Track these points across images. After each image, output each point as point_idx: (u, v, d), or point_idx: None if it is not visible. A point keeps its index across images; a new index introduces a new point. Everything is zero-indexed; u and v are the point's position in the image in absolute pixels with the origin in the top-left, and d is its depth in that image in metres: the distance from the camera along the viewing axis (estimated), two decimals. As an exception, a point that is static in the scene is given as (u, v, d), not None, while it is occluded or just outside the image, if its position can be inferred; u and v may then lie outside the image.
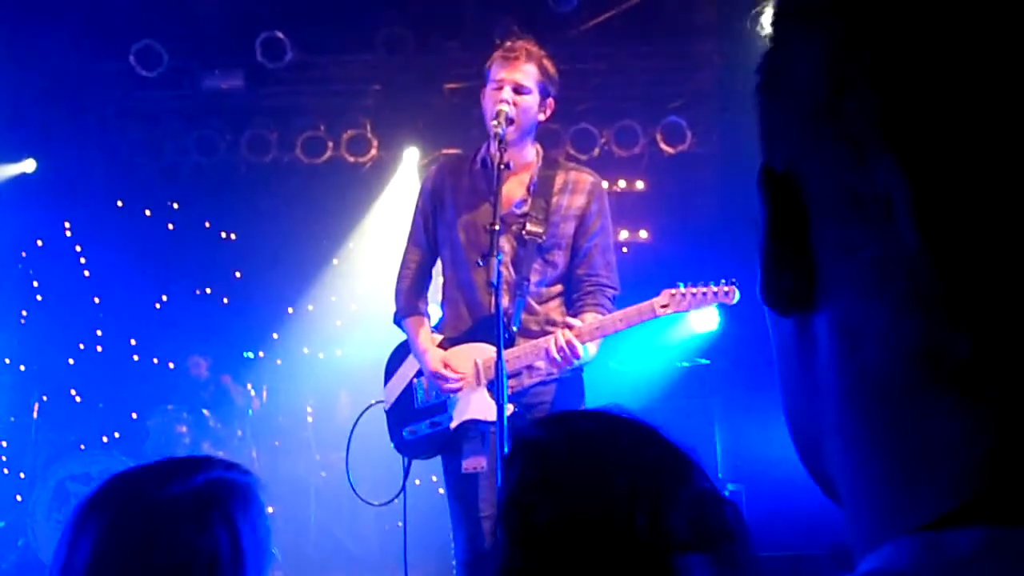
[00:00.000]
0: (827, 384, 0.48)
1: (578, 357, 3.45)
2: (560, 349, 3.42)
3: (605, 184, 3.91)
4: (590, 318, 3.56)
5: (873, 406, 0.46)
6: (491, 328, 3.49)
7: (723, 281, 3.51)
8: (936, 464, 0.43)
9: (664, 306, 3.49)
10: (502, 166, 3.43)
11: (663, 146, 7.03)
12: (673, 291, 3.50)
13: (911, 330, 0.43)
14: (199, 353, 7.37)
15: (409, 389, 3.89)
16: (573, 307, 3.64)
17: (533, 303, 3.63)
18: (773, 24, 0.52)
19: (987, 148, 0.41)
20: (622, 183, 7.28)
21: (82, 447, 6.80)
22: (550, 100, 3.66)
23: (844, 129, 0.45)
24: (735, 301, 3.50)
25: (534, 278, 3.63)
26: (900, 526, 0.43)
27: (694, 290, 3.49)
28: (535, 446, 1.33)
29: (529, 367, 3.59)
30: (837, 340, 0.47)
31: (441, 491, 3.87)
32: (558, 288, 3.69)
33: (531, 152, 3.71)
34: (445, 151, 4.03)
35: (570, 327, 3.47)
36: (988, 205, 0.41)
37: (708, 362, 6.51)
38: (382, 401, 4.00)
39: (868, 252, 0.45)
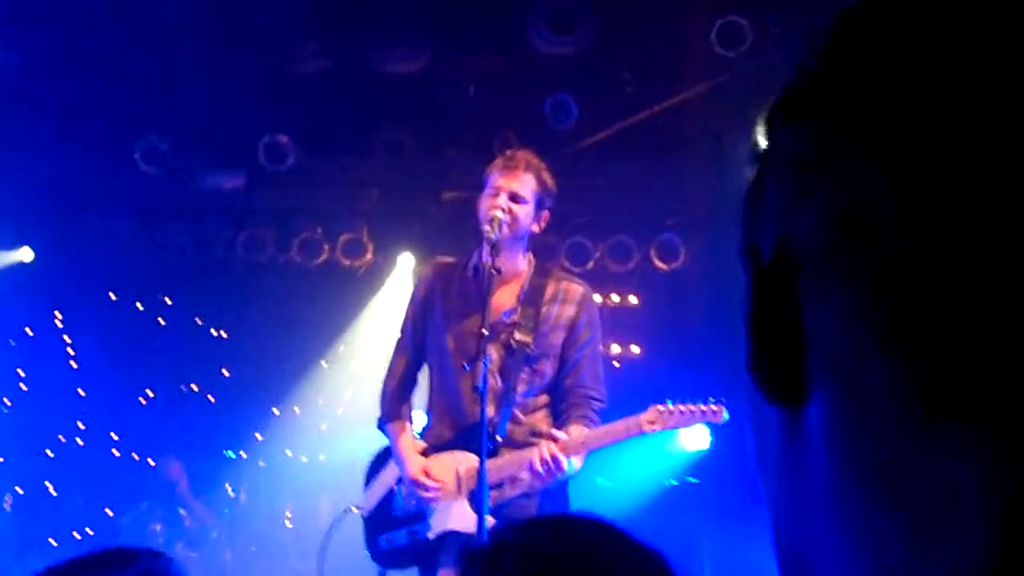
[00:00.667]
0: (817, 470, 0.44)
1: (562, 470, 3.39)
2: (544, 462, 3.37)
3: (598, 298, 3.92)
4: (576, 430, 3.52)
5: (875, 465, 0.42)
6: (475, 437, 3.44)
7: (711, 400, 3.48)
8: (958, 513, 0.38)
9: (651, 422, 3.46)
10: (493, 271, 3.43)
11: (657, 262, 7.08)
12: (661, 408, 3.47)
13: (905, 368, 0.40)
14: (175, 455, 7.27)
15: (389, 496, 3.82)
16: (559, 418, 3.60)
17: (519, 413, 3.59)
18: (763, 127, 0.51)
19: (966, 140, 0.39)
20: (615, 297, 7.30)
21: (53, 542, 6.63)
22: (545, 212, 3.69)
23: (835, 171, 0.43)
24: (723, 421, 3.47)
25: (521, 388, 3.60)
26: None
27: (682, 408, 3.46)
28: (489, 548, 1.29)
29: (513, 479, 3.53)
30: (834, 419, 0.43)
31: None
32: (544, 398, 3.65)
33: (523, 261, 3.72)
34: (440, 258, 4.05)
35: (555, 439, 3.43)
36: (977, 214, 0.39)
37: (697, 481, 6.42)
38: (359, 506, 3.93)
39: (855, 300, 0.42)
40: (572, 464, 3.45)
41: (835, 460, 0.43)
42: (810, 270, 0.44)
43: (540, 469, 3.37)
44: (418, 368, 3.85)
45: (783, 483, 0.47)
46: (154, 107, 6.59)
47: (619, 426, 3.48)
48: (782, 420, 0.46)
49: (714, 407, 3.47)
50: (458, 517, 3.56)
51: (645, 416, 3.47)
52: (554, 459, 3.37)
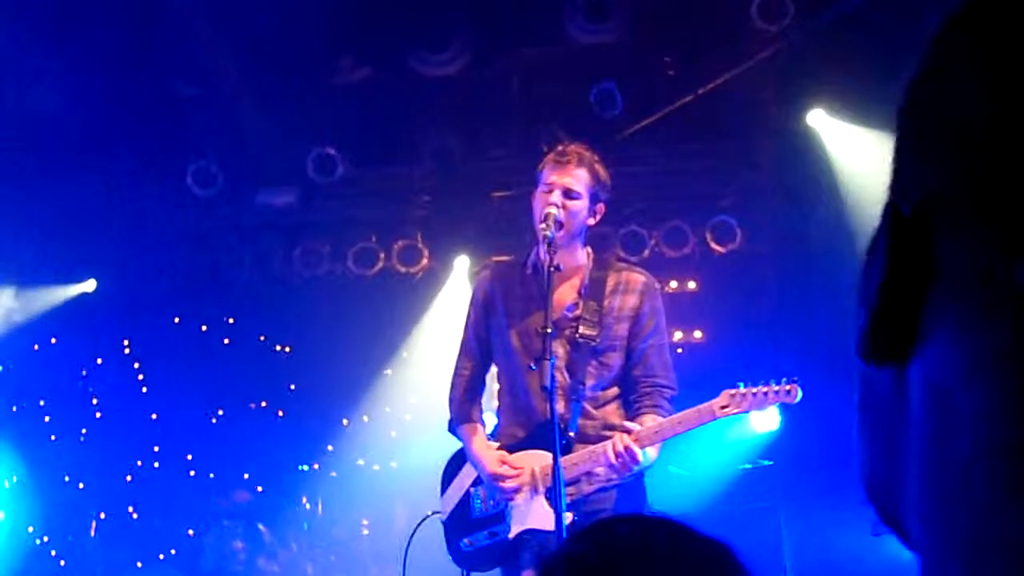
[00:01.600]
0: (916, 450, 0.45)
1: (637, 462, 3.37)
2: (619, 454, 3.35)
3: (657, 285, 3.88)
4: (649, 420, 3.49)
5: (959, 511, 0.42)
6: (547, 434, 3.43)
7: (784, 380, 3.42)
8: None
9: (724, 407, 3.42)
10: (552, 268, 3.42)
11: (713, 245, 7.01)
12: (733, 391, 3.43)
13: (1007, 428, 0.40)
14: (243, 487, 7.37)
15: (466, 499, 3.82)
16: (631, 409, 3.57)
17: (590, 408, 3.57)
18: (936, 51, 0.47)
19: None
20: (674, 283, 7.23)
21: (139, 564, 6.76)
22: (600, 205, 3.66)
23: (1000, 206, 0.42)
24: (798, 400, 3.41)
25: (589, 382, 3.58)
26: None
27: (754, 390, 3.42)
28: (568, 562, 1.28)
29: (588, 473, 3.51)
30: (931, 410, 0.44)
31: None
32: (615, 391, 3.63)
33: (582, 255, 3.70)
34: (495, 258, 4.05)
35: (628, 431, 3.40)
36: None
37: (771, 463, 6.35)
38: (438, 512, 3.94)
39: (987, 334, 0.41)
40: (647, 455, 3.42)
41: (926, 460, 0.45)
42: (944, 268, 0.45)
43: (615, 461, 3.35)
44: (485, 370, 3.85)
45: (884, 433, 0.49)
46: (202, 130, 6.69)
47: (691, 413, 3.44)
48: (890, 381, 0.48)
49: (787, 387, 3.41)
50: (537, 515, 3.56)
51: (717, 401, 3.43)
52: (628, 451, 3.35)
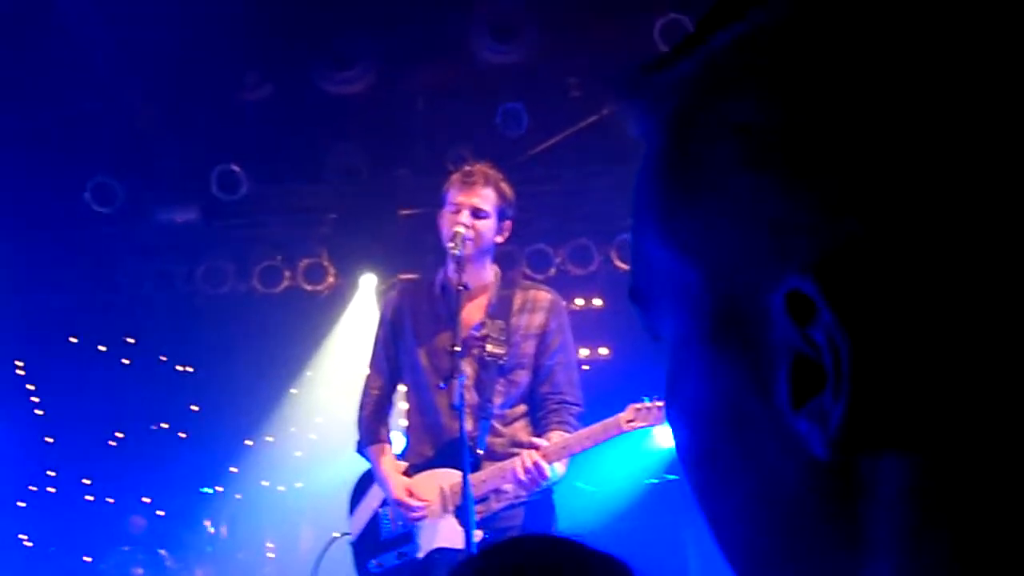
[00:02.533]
0: (890, 545, 0.39)
1: (545, 477, 3.41)
2: (527, 470, 3.38)
3: (563, 303, 3.94)
4: (556, 436, 3.53)
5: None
6: (456, 452, 3.46)
7: None
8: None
9: (630, 421, 3.48)
10: (460, 287, 3.45)
11: (618, 263, 7.12)
12: (639, 405, 3.50)
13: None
14: (139, 513, 7.18)
15: (375, 519, 3.81)
16: (538, 426, 3.61)
17: (498, 426, 3.61)
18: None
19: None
20: (580, 301, 7.32)
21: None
22: (507, 222, 3.72)
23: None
24: None
25: (497, 400, 3.61)
26: None
27: (659, 403, 3.49)
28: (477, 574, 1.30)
29: (497, 491, 3.54)
30: (926, 509, 0.38)
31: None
32: (522, 408, 3.67)
33: (489, 273, 3.74)
34: (402, 276, 4.06)
35: (536, 447, 3.44)
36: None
37: (676, 477, 6.46)
38: (347, 533, 3.91)
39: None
40: (555, 470, 3.46)
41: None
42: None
43: (524, 478, 3.39)
44: (393, 389, 3.85)
45: (804, 531, 0.42)
46: (102, 145, 6.53)
47: (598, 428, 3.50)
48: (805, 467, 0.41)
49: None
50: (446, 534, 3.57)
51: (624, 415, 3.49)
52: (536, 466, 3.38)
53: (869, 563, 0.39)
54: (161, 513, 7.40)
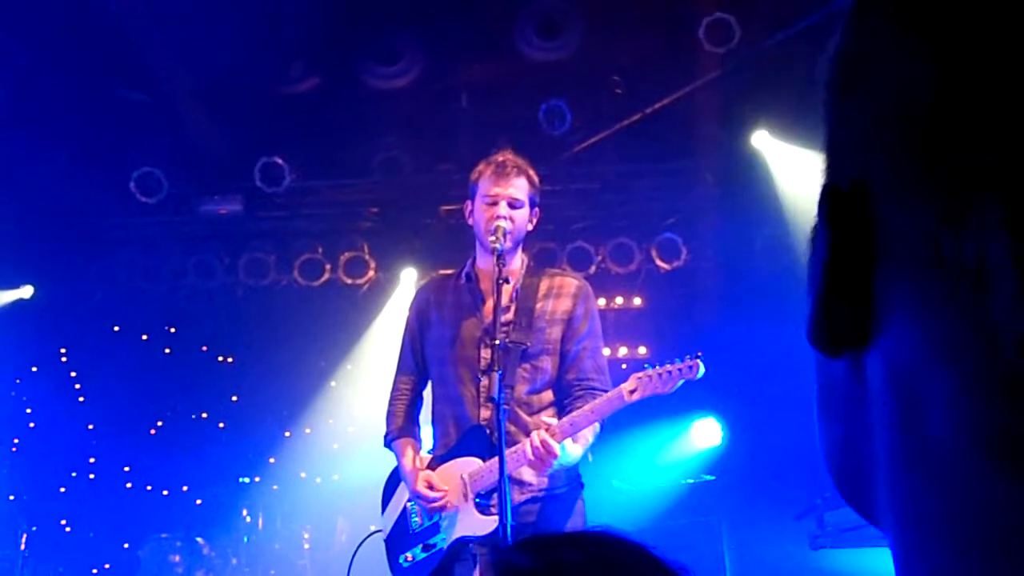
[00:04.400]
0: (882, 436, 0.44)
1: (555, 456, 3.36)
2: (535, 448, 3.34)
3: (603, 301, 3.90)
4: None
5: (937, 487, 0.42)
6: (476, 440, 3.46)
7: (687, 356, 3.45)
8: (1009, 560, 0.39)
9: (633, 391, 3.43)
10: (502, 281, 3.43)
11: (659, 262, 7.08)
12: (640, 374, 3.46)
13: (986, 414, 0.39)
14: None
15: (404, 514, 3.81)
16: (564, 413, 3.57)
17: (522, 414, 3.57)
18: (860, 11, 0.46)
19: None
20: (619, 300, 7.29)
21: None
22: (536, 210, 3.71)
23: (943, 171, 0.40)
24: (700, 375, 3.44)
25: (521, 386, 3.58)
26: None
27: (660, 370, 3.44)
28: (514, 572, 1.27)
29: (519, 483, 3.51)
30: (895, 396, 0.43)
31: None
32: (549, 396, 3.63)
33: (517, 261, 3.72)
34: (442, 271, 4.05)
35: (546, 427, 3.41)
36: None
37: (713, 478, 6.41)
38: (380, 530, 3.91)
39: (944, 315, 0.40)
40: (567, 449, 3.41)
41: (897, 445, 0.44)
42: (888, 242, 0.43)
43: (532, 456, 3.35)
44: (423, 384, 3.84)
45: (845, 423, 0.48)
46: (148, 136, 6.60)
47: (601, 401, 3.45)
48: (846, 368, 0.47)
49: (690, 363, 3.43)
50: (466, 523, 3.56)
51: (626, 386, 3.44)
52: (545, 444, 3.34)
53: (874, 463, 0.46)
54: (199, 502, 7.47)
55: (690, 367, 3.42)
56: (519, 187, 3.60)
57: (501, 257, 3.46)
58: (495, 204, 3.57)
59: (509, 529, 3.13)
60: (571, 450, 3.45)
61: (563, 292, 3.67)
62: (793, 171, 6.55)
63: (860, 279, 0.44)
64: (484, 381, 3.38)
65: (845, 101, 0.47)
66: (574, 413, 3.45)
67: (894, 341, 0.43)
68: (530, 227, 3.68)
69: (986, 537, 0.40)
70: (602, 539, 1.28)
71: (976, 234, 0.39)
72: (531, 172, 3.67)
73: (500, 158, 3.69)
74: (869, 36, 0.45)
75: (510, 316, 3.60)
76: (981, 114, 0.39)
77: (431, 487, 3.58)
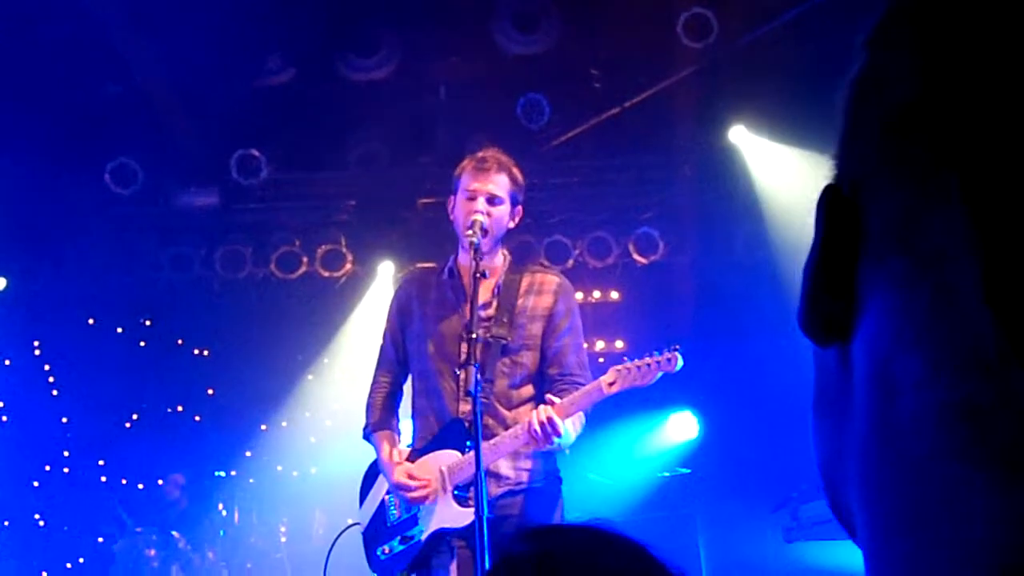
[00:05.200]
0: (857, 430, 0.46)
1: (559, 434, 3.38)
2: (542, 424, 3.35)
3: (580, 295, 3.91)
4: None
5: (900, 472, 0.43)
6: (455, 434, 3.47)
7: (665, 349, 3.48)
8: (966, 548, 0.40)
9: (612, 383, 3.45)
10: (478, 275, 3.44)
11: (636, 256, 7.10)
12: (619, 367, 3.47)
13: (949, 388, 0.41)
14: (178, 471, 7.23)
15: (382, 507, 3.81)
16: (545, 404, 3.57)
17: (501, 408, 3.58)
18: (869, 39, 0.50)
19: None
20: (596, 293, 7.31)
21: (44, 574, 6.57)
22: (519, 207, 3.70)
23: (912, 158, 0.44)
24: (678, 367, 3.46)
25: (502, 381, 3.59)
26: None
27: (638, 363, 3.45)
28: (515, 562, 1.28)
29: (496, 476, 3.53)
30: (872, 385, 0.45)
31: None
32: (529, 391, 3.64)
33: (499, 258, 3.73)
34: (420, 264, 4.06)
35: (551, 404, 3.43)
36: None
37: (689, 471, 6.45)
38: (358, 523, 3.92)
39: (914, 296, 0.42)
40: (566, 428, 3.42)
41: (868, 430, 0.45)
42: (873, 234, 0.46)
43: (539, 431, 3.35)
44: (403, 377, 3.84)
45: (831, 411, 0.50)
46: (123, 127, 6.54)
47: (579, 395, 3.47)
48: (836, 362, 0.49)
49: (668, 355, 3.45)
50: (444, 515, 3.56)
51: (605, 378, 3.46)
52: (551, 421, 3.35)
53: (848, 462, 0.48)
54: (176, 494, 7.43)
55: (669, 359, 3.44)
56: (499, 183, 3.60)
57: (478, 251, 3.47)
58: (474, 199, 3.58)
59: (485, 521, 3.13)
60: (568, 429, 3.46)
61: (544, 289, 3.68)
62: (770, 166, 6.59)
63: (844, 271, 0.46)
64: (462, 375, 3.39)
65: (846, 116, 0.50)
66: (571, 396, 3.46)
67: (872, 329, 0.45)
68: (511, 225, 3.68)
69: (944, 518, 0.41)
70: (597, 531, 1.29)
71: (937, 210, 0.42)
72: (514, 170, 3.67)
73: (482, 154, 3.70)
74: (867, 60, 0.49)
75: (491, 312, 3.62)
76: (951, 104, 0.43)
77: (411, 477, 3.59)
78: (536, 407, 3.58)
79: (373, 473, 3.88)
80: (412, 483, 3.57)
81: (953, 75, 0.43)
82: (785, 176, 6.40)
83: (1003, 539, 0.39)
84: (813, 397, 0.52)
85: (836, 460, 0.49)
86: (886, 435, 0.44)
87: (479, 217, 3.53)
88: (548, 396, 3.46)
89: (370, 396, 3.84)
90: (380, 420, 3.79)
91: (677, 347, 3.47)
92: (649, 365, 3.44)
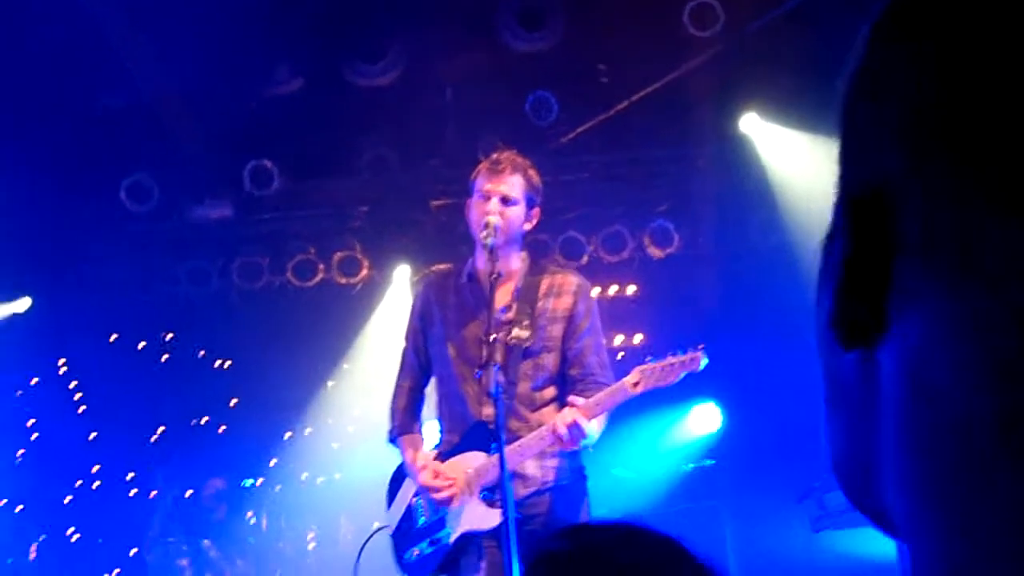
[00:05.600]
0: (892, 428, 0.46)
1: (585, 436, 3.39)
2: (569, 426, 3.36)
3: (597, 290, 3.91)
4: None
5: (950, 470, 0.43)
6: (479, 435, 3.48)
7: (690, 349, 3.47)
8: (1013, 540, 0.40)
9: (636, 383, 3.45)
10: (494, 276, 3.44)
11: (651, 250, 7.08)
12: (643, 367, 3.48)
13: (1003, 404, 0.41)
14: (217, 476, 7.30)
15: (409, 510, 3.83)
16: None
17: (524, 411, 3.59)
18: (872, 33, 0.49)
19: None
20: (613, 288, 7.30)
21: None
22: (536, 210, 3.70)
23: (942, 161, 0.43)
24: (702, 367, 3.46)
25: (524, 383, 3.60)
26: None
27: (662, 363, 3.45)
28: (553, 559, 1.30)
29: (522, 477, 3.54)
30: (908, 388, 0.44)
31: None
32: (551, 392, 3.65)
33: (517, 260, 3.74)
34: (436, 267, 4.07)
35: (573, 406, 3.43)
36: None
37: (713, 463, 6.44)
38: (386, 526, 3.94)
39: (948, 299, 0.42)
40: (591, 429, 3.42)
41: (909, 434, 0.45)
42: (909, 236, 0.45)
43: (565, 433, 3.36)
44: (425, 380, 3.86)
45: (854, 416, 0.49)
46: (135, 144, 6.59)
47: (604, 395, 3.47)
48: (855, 364, 0.48)
49: (692, 355, 3.45)
50: (472, 517, 3.58)
51: (629, 379, 3.46)
52: (575, 423, 3.35)
53: (883, 460, 0.47)
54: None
55: (692, 359, 3.44)
56: (513, 184, 3.61)
57: (493, 252, 3.48)
58: (487, 200, 3.59)
59: (512, 522, 3.15)
60: (593, 430, 3.46)
61: (564, 290, 3.69)
62: (783, 153, 6.56)
63: (877, 280, 0.46)
64: (483, 377, 3.40)
65: (857, 112, 0.49)
66: (596, 396, 3.46)
67: (907, 332, 0.45)
68: (528, 227, 3.68)
69: (1001, 519, 0.41)
70: (632, 527, 1.30)
71: (995, 224, 0.41)
72: (530, 172, 3.67)
73: (497, 156, 3.71)
74: (880, 52, 0.48)
75: (511, 315, 3.63)
76: (976, 107, 0.42)
77: (437, 478, 3.60)
78: (559, 408, 3.59)
79: (400, 477, 3.90)
80: (439, 483, 3.59)
81: (985, 73, 0.42)
82: (800, 163, 6.38)
83: None
84: (826, 395, 0.52)
85: (861, 461, 0.49)
86: (930, 438, 0.44)
87: (492, 218, 3.54)
88: (571, 398, 3.46)
89: (393, 400, 3.86)
90: (404, 424, 3.81)
91: (701, 346, 3.46)
92: (673, 365, 3.45)
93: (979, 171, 0.42)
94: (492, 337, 3.34)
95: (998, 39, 0.42)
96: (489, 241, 3.50)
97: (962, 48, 0.43)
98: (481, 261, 3.65)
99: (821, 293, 0.49)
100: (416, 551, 3.77)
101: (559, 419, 3.39)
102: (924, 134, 0.44)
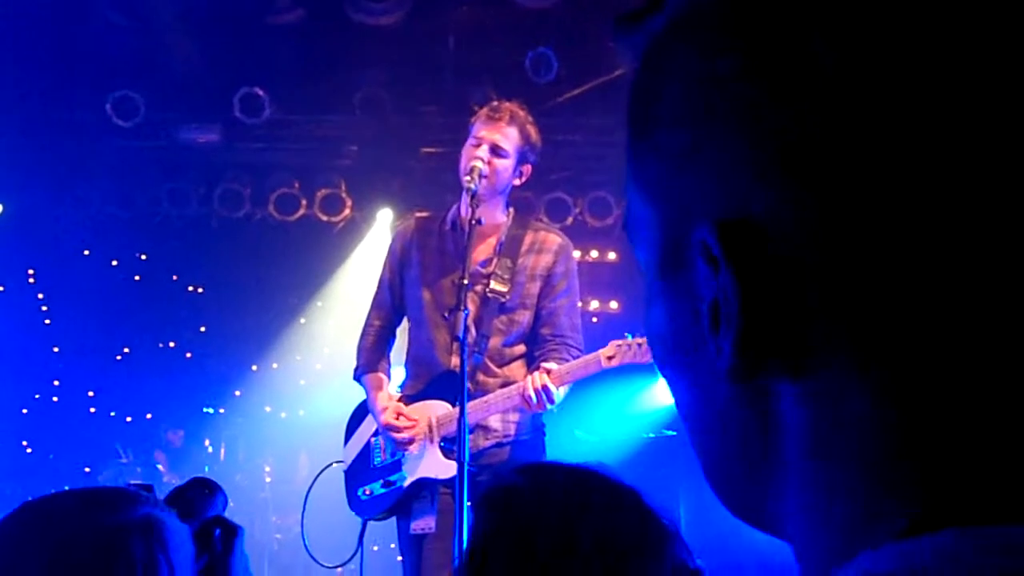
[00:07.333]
0: (795, 452, 0.45)
1: (553, 401, 3.39)
2: (537, 391, 3.35)
3: (577, 253, 3.89)
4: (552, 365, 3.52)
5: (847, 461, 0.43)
6: (447, 385, 3.46)
7: None
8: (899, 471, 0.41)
9: (610, 357, 3.44)
10: (473, 221, 3.41)
11: (636, 218, 7.07)
12: (620, 342, 3.46)
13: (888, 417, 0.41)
14: (179, 426, 7.27)
15: (367, 448, 3.82)
16: (533, 366, 3.58)
17: (492, 364, 3.58)
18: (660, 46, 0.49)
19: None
20: (594, 253, 7.29)
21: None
22: (527, 166, 3.65)
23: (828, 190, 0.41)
24: None
25: (497, 338, 3.59)
26: (867, 543, 0.40)
27: (640, 339, 3.44)
28: (505, 491, 1.29)
29: (485, 429, 3.53)
30: (815, 418, 0.43)
31: (399, 558, 3.78)
32: (521, 348, 3.64)
33: (502, 214, 3.70)
34: (419, 213, 4.02)
35: (547, 371, 3.42)
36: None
37: (674, 433, 6.47)
38: (341, 461, 3.93)
39: (866, 340, 0.42)
40: (559, 396, 3.43)
41: (814, 454, 0.44)
42: (775, 217, 0.44)
43: (533, 397, 3.36)
44: (397, 322, 3.84)
45: (740, 443, 0.48)
46: (127, 58, 6.48)
47: (578, 364, 3.46)
48: (732, 390, 0.47)
49: None
50: (429, 464, 3.58)
51: (604, 351, 3.45)
52: (545, 389, 3.35)
53: (779, 474, 0.45)
54: (179, 433, 7.47)
55: None
56: (507, 135, 3.55)
57: (474, 198, 3.44)
58: (478, 146, 3.54)
59: (466, 468, 3.14)
60: (560, 396, 3.47)
61: (545, 248, 3.66)
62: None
63: (783, 318, 0.43)
64: (453, 320, 3.37)
65: (714, 135, 0.46)
66: (568, 365, 3.45)
67: (817, 366, 0.43)
68: (517, 182, 3.63)
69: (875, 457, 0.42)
70: (592, 471, 1.30)
71: (834, 240, 0.41)
72: (528, 127, 3.61)
73: (498, 103, 3.65)
74: (708, 61, 0.47)
75: (492, 268, 3.59)
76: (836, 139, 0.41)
77: (399, 418, 3.59)
78: (527, 365, 3.58)
79: (361, 413, 3.88)
80: (401, 424, 3.58)
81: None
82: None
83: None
84: (693, 418, 0.51)
85: (747, 479, 0.48)
86: (836, 466, 0.43)
87: (478, 164, 3.49)
88: (544, 365, 3.45)
89: (362, 338, 3.84)
90: (371, 362, 3.78)
91: None
92: None
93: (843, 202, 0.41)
94: (464, 281, 3.31)
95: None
96: (472, 186, 3.45)
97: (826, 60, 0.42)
98: (465, 209, 3.61)
99: (665, 315, 0.49)
100: (368, 490, 3.76)
101: (530, 382, 3.38)
102: (791, 164, 0.42)
